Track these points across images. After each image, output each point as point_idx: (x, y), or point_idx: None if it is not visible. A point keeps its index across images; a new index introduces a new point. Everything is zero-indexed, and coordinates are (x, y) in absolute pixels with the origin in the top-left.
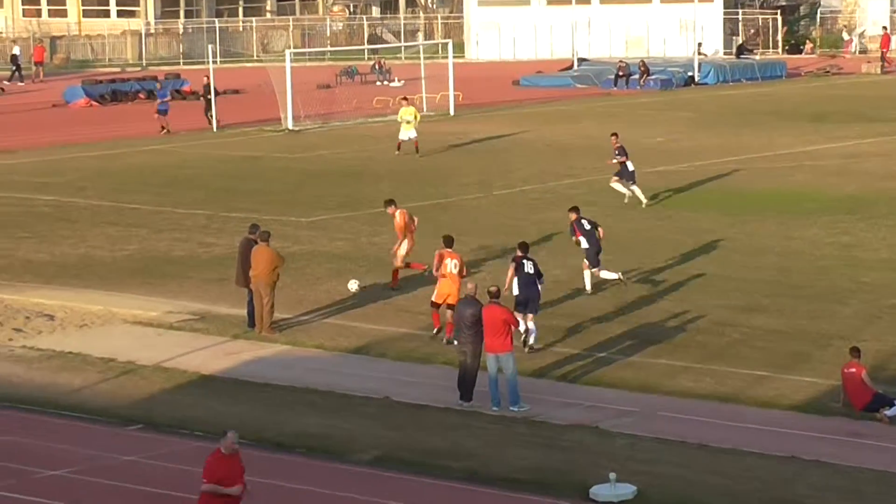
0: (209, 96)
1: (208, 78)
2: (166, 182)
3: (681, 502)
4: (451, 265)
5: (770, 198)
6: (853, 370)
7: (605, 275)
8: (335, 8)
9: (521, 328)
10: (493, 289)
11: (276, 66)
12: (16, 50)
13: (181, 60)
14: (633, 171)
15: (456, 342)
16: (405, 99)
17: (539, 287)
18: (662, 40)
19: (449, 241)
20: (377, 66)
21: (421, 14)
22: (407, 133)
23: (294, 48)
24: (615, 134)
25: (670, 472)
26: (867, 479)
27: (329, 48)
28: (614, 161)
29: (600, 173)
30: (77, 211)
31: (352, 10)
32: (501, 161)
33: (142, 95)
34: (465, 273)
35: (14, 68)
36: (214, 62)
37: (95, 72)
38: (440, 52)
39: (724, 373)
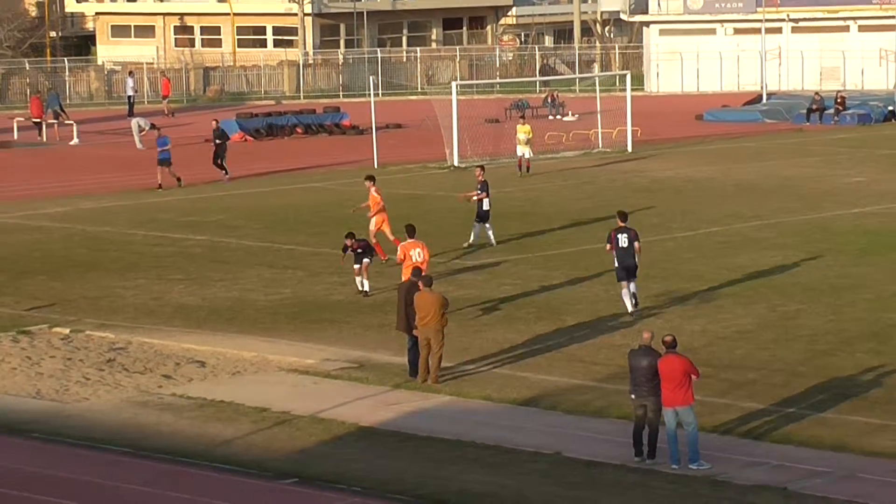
0: (218, 141)
1: (217, 122)
2: (324, 221)
3: None
4: (415, 254)
5: None
6: None
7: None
8: (505, 37)
9: (627, 298)
10: (668, 338)
11: (441, 98)
12: (129, 82)
13: (341, 93)
14: (487, 211)
15: (632, 396)
16: (521, 118)
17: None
18: (860, 71)
19: (411, 231)
20: (549, 99)
21: (597, 44)
22: (522, 150)
23: (461, 80)
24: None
25: None
26: None
27: (498, 80)
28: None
29: (790, 215)
30: (229, 251)
31: (523, 39)
32: (683, 201)
33: (299, 130)
34: (427, 259)
35: (129, 99)
36: (376, 94)
37: (250, 105)
38: (617, 84)
39: None
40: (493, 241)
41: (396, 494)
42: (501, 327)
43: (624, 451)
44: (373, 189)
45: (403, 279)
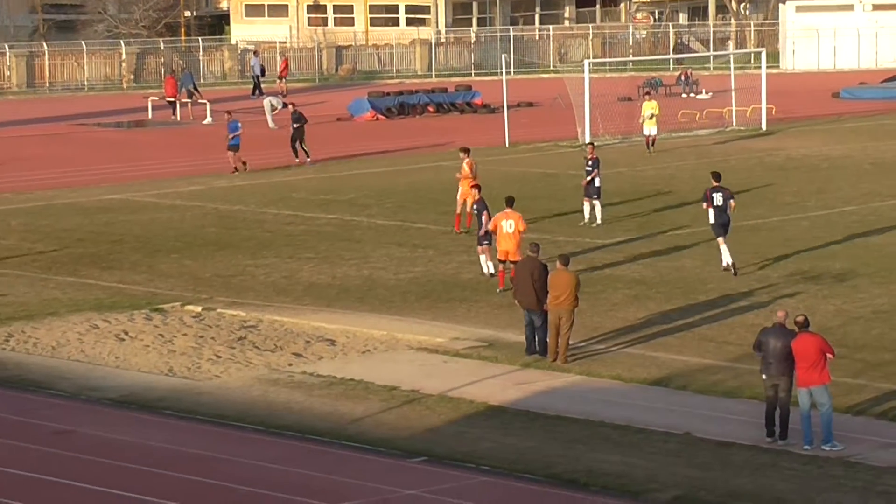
0: (296, 125)
1: (295, 106)
2: (454, 200)
3: None
4: (507, 225)
5: None
6: None
7: (723, 249)
8: (639, 15)
9: (725, 251)
10: (800, 318)
11: (573, 76)
12: (254, 62)
13: (472, 71)
14: (598, 188)
15: (763, 375)
16: (647, 94)
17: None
18: None
19: (509, 202)
20: (683, 77)
21: (732, 21)
22: (649, 129)
23: (593, 58)
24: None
25: None
26: None
27: (631, 58)
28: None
29: None
30: (360, 230)
31: (657, 17)
32: (819, 180)
33: (431, 109)
34: (522, 229)
35: (255, 79)
36: (508, 73)
37: (382, 83)
38: (752, 61)
39: None
40: (600, 219)
41: (525, 473)
42: (632, 306)
43: (756, 432)
44: (465, 161)
45: (497, 249)
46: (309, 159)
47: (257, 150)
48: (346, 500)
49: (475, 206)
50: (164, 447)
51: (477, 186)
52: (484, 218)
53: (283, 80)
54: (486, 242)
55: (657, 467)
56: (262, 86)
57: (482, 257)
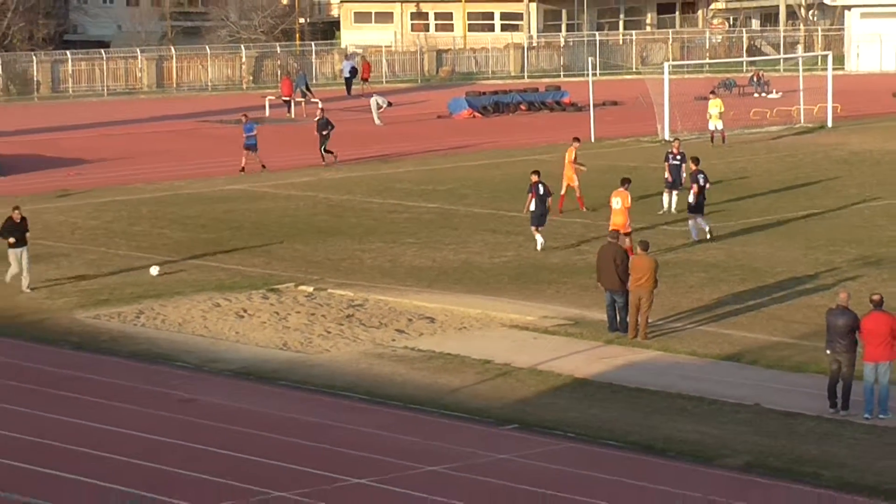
0: (324, 132)
1: (323, 112)
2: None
3: None
4: (615, 202)
5: None
6: None
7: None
8: (715, 21)
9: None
10: (876, 297)
11: (654, 78)
12: (348, 63)
13: (561, 73)
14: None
15: (828, 351)
16: (712, 93)
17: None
18: None
19: (623, 182)
20: (755, 78)
21: (801, 26)
22: (714, 124)
23: (672, 60)
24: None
25: None
26: None
27: (708, 60)
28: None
29: None
30: (458, 218)
31: (732, 22)
32: (881, 173)
33: (523, 107)
34: (628, 205)
35: (347, 80)
36: (594, 74)
37: (479, 84)
38: (819, 63)
39: None
40: (674, 208)
41: (608, 440)
42: (707, 288)
43: (819, 404)
44: (574, 146)
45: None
46: (336, 159)
47: (363, 144)
48: (443, 462)
49: (539, 189)
50: (279, 415)
51: (536, 172)
52: (529, 201)
53: (366, 82)
54: (536, 225)
55: (728, 435)
56: (368, 87)
57: (537, 236)
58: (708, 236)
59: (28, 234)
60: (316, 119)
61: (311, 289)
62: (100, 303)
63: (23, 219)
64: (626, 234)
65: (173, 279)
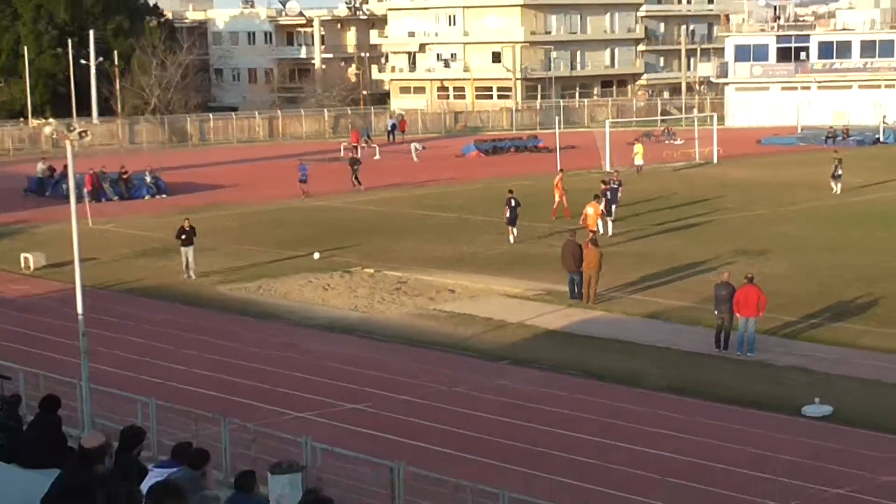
0: (354, 167)
1: (352, 153)
2: (528, 204)
3: (869, 415)
4: (589, 210)
5: None
6: None
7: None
8: (640, 92)
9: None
10: (749, 275)
11: (599, 130)
12: (391, 120)
13: (538, 127)
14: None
15: (715, 312)
16: (636, 140)
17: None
18: (859, 114)
19: (595, 197)
20: (666, 130)
21: (696, 96)
22: (638, 161)
23: (611, 119)
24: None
25: (860, 399)
26: None
27: (634, 119)
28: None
29: (815, 202)
30: (469, 223)
31: (650, 93)
32: (750, 193)
33: (512, 150)
34: (598, 212)
35: (390, 132)
36: (560, 128)
37: (483, 134)
38: (708, 121)
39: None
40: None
41: (568, 370)
42: (634, 270)
43: (709, 346)
44: (559, 176)
45: (587, 224)
46: (362, 187)
47: (405, 175)
48: (459, 386)
49: (511, 202)
50: (354, 353)
51: (510, 190)
52: (506, 210)
53: (404, 133)
54: (510, 224)
55: (650, 367)
56: (404, 136)
57: (510, 233)
58: (609, 233)
59: (195, 238)
60: (348, 158)
61: (371, 270)
62: (233, 280)
63: (191, 227)
64: (593, 231)
65: (281, 264)
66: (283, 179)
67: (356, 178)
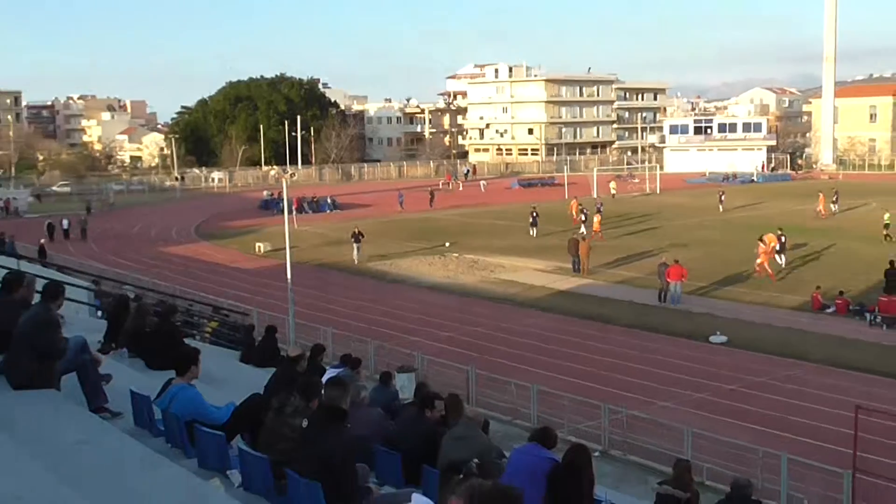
0: (432, 196)
1: (434, 190)
2: (554, 216)
3: (749, 341)
4: (595, 219)
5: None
6: None
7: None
8: (615, 151)
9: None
10: (676, 259)
11: (590, 174)
12: (467, 168)
13: (554, 171)
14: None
15: (659, 279)
16: (613, 179)
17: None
18: (741, 166)
19: (598, 210)
20: (629, 174)
21: (648, 154)
22: (613, 191)
23: (597, 167)
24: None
25: (744, 333)
26: None
27: (611, 166)
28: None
29: (713, 216)
30: (514, 227)
31: (621, 151)
32: (682, 210)
33: (539, 185)
34: (600, 219)
35: (466, 174)
36: (567, 172)
37: (521, 176)
38: (654, 168)
39: (774, 296)
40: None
41: (572, 315)
42: (611, 256)
43: (654, 300)
44: (574, 201)
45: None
46: (432, 206)
47: (472, 198)
48: (504, 323)
49: (534, 213)
50: (446, 303)
51: (534, 207)
52: (530, 219)
53: (475, 174)
54: (532, 226)
55: (619, 312)
56: (476, 177)
57: (532, 231)
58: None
59: (362, 238)
60: (430, 190)
61: (456, 255)
62: (376, 260)
63: (360, 231)
64: (597, 232)
65: (403, 250)
66: (409, 200)
67: (432, 202)
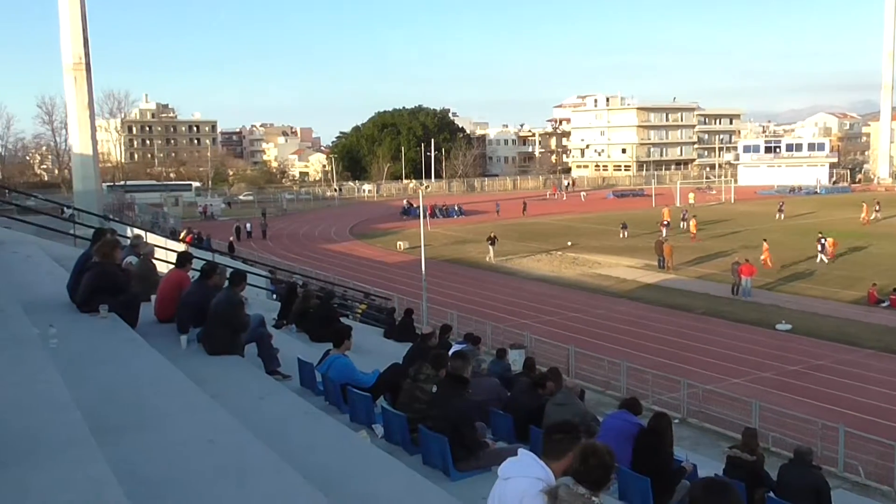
0: (525, 205)
1: (526, 203)
2: (642, 221)
3: (811, 329)
4: (691, 222)
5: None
6: None
7: None
8: (695, 167)
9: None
10: (748, 258)
11: (674, 186)
12: (567, 181)
13: (643, 184)
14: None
15: (732, 275)
16: (692, 191)
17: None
18: (805, 180)
19: (694, 217)
20: (708, 187)
21: (723, 170)
22: (692, 200)
23: (680, 180)
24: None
25: (807, 322)
26: None
27: (693, 180)
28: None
29: (778, 222)
30: (609, 231)
31: (700, 168)
32: (753, 217)
33: (631, 196)
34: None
35: (567, 186)
36: (654, 185)
37: (616, 188)
38: (730, 182)
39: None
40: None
41: (658, 304)
42: (692, 254)
43: (727, 293)
44: (666, 208)
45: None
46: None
47: (574, 206)
48: (596, 310)
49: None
50: (552, 293)
51: (624, 223)
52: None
53: (574, 186)
54: (623, 228)
55: (697, 303)
56: (576, 189)
57: (622, 234)
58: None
59: (497, 241)
60: (523, 201)
61: (560, 252)
62: (495, 258)
63: (495, 235)
64: (694, 234)
65: (517, 250)
66: (517, 210)
67: (525, 210)
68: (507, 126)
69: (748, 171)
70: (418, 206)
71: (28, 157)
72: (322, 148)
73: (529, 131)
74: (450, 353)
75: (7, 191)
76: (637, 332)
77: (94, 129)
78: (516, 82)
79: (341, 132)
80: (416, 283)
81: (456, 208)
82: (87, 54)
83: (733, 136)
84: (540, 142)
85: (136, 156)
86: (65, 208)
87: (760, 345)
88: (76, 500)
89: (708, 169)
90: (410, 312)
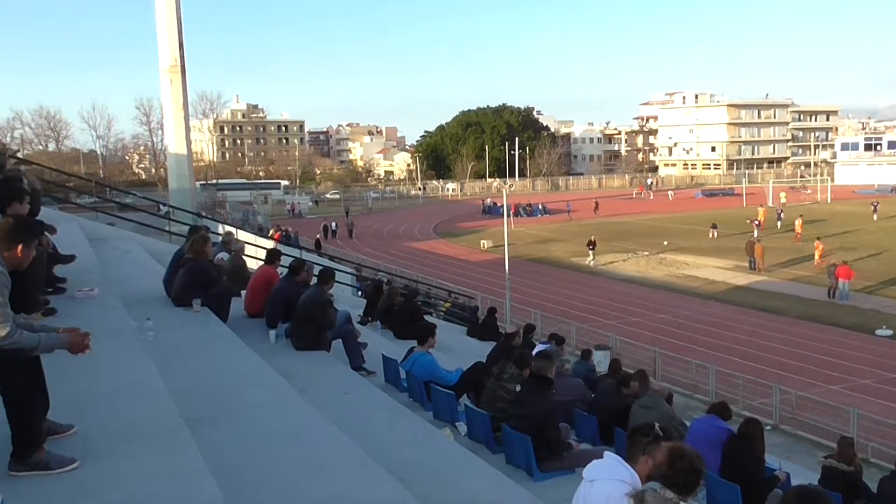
0: (596, 206)
1: (598, 204)
2: (732, 221)
3: None
4: (756, 223)
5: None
6: None
7: None
8: (788, 166)
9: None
10: (844, 260)
11: (766, 185)
12: (650, 180)
13: (734, 183)
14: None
15: (828, 278)
16: (783, 191)
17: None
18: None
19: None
20: (802, 186)
21: (819, 168)
22: (783, 199)
23: (773, 179)
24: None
25: None
26: None
27: (787, 178)
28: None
29: (874, 223)
30: (698, 231)
31: (794, 167)
32: (847, 218)
33: (720, 195)
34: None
35: (651, 184)
36: (745, 184)
37: (705, 187)
38: (826, 181)
39: None
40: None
41: (746, 306)
42: (784, 256)
43: (823, 296)
44: (762, 208)
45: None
46: (597, 213)
47: (652, 207)
48: (689, 310)
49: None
50: (638, 293)
51: (714, 223)
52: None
53: (658, 185)
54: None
55: (790, 306)
56: (662, 188)
57: (712, 234)
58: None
59: (597, 244)
60: (594, 200)
61: (647, 252)
62: (576, 257)
63: (595, 240)
64: (798, 234)
65: (603, 249)
66: (603, 208)
67: (596, 211)
68: (592, 124)
69: (846, 170)
70: (502, 205)
71: (127, 157)
72: (407, 147)
73: (615, 129)
74: (533, 353)
75: (108, 189)
76: (726, 334)
77: (188, 129)
78: (602, 80)
79: (426, 131)
80: (499, 281)
81: (540, 207)
82: (182, 57)
83: (830, 134)
84: (626, 140)
85: (227, 155)
86: (161, 206)
87: (859, 350)
88: (170, 490)
89: (802, 168)
90: (494, 311)
